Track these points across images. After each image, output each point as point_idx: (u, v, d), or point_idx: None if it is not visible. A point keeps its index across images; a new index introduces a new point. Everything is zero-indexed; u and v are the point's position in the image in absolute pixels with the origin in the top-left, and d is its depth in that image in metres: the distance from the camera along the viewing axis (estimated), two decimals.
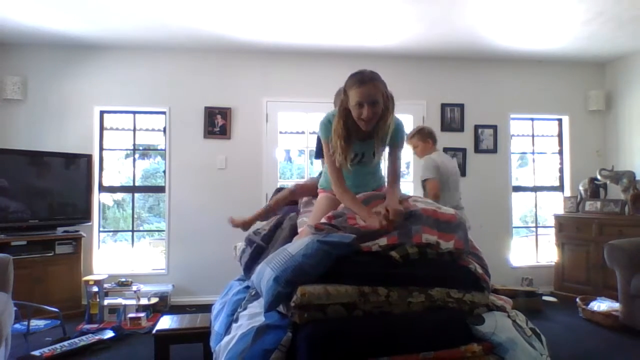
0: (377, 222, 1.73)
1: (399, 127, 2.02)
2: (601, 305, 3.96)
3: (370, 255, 1.65)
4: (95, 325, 3.84)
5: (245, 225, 2.76)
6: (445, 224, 1.73)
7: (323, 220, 1.89)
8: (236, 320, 1.78)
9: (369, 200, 1.93)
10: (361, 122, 1.90)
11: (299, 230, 2.28)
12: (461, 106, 5.22)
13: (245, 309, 1.83)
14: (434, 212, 1.76)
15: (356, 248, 1.63)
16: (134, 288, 4.27)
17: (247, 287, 2.15)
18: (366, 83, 1.85)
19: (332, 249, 1.58)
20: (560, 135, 5.52)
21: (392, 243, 1.65)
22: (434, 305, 1.60)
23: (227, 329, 1.80)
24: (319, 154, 3.05)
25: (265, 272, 1.64)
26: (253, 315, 1.69)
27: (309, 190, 2.56)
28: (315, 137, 3.21)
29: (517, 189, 5.46)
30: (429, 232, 1.68)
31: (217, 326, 2.04)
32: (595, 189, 4.98)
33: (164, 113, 4.92)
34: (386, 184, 2.10)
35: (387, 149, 2.09)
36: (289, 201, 2.66)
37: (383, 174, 2.22)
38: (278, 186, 3.31)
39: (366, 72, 1.91)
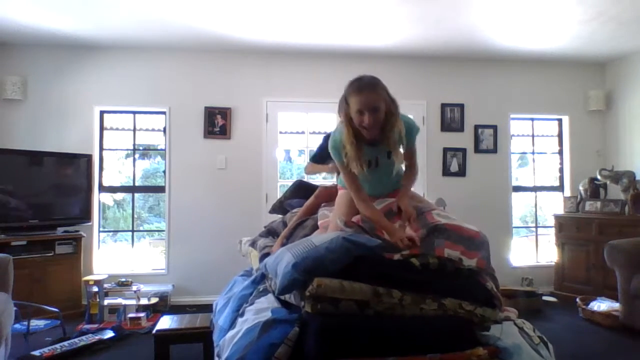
0: (399, 241, 1.73)
1: (409, 125, 1.99)
2: (601, 305, 3.96)
3: (391, 260, 1.66)
4: (95, 325, 3.84)
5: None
6: (469, 240, 1.73)
7: (354, 219, 1.91)
8: (242, 315, 1.78)
9: (388, 216, 1.93)
10: (363, 130, 1.87)
11: (320, 222, 2.28)
12: (461, 106, 5.22)
13: (252, 304, 1.83)
14: (458, 228, 1.76)
15: (378, 253, 1.65)
16: (134, 288, 4.27)
17: (254, 282, 2.14)
18: (365, 90, 1.82)
19: (355, 248, 1.58)
20: (560, 135, 5.52)
21: (414, 253, 1.67)
22: (446, 315, 1.61)
23: (232, 324, 1.80)
24: (315, 158, 3.07)
25: (285, 257, 1.64)
26: (260, 310, 1.69)
27: (332, 195, 2.48)
28: (316, 138, 3.21)
29: (517, 189, 5.46)
30: (451, 247, 1.69)
31: (221, 320, 2.04)
32: (595, 189, 4.98)
33: (164, 113, 4.92)
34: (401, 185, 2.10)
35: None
36: (314, 206, 2.55)
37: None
38: (295, 180, 3.24)
39: (365, 78, 1.87)
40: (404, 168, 2.16)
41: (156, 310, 4.28)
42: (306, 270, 1.52)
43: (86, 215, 4.55)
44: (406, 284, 1.59)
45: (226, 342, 1.65)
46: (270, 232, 2.76)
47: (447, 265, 1.67)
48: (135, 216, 5.28)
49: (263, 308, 1.71)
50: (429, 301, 1.59)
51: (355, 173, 1.97)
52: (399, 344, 1.48)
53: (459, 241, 1.72)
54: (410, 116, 2.12)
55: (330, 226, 2.08)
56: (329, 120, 4.92)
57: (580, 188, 5.04)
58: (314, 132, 5.06)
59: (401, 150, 2.06)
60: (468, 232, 1.76)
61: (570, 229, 4.92)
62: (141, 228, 5.92)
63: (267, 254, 2.29)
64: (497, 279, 1.86)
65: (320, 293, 1.48)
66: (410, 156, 2.08)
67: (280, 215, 2.99)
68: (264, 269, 1.91)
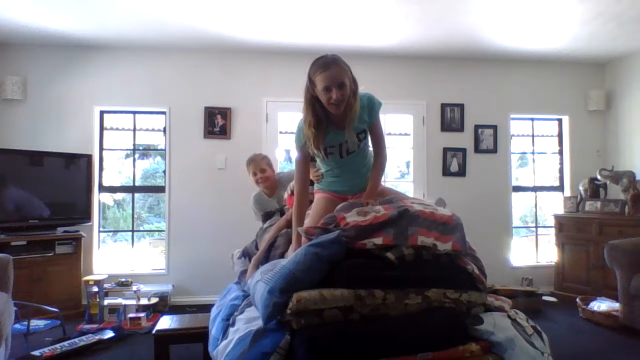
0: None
1: (370, 98, 2.03)
2: (601, 305, 3.96)
3: (366, 257, 1.62)
4: (95, 325, 3.83)
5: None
6: (442, 225, 1.70)
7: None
8: (233, 324, 1.78)
9: (352, 207, 1.91)
10: (331, 107, 1.90)
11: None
12: (461, 106, 5.22)
13: (242, 312, 1.82)
14: (431, 214, 1.73)
15: (343, 242, 1.61)
16: (134, 288, 4.26)
17: (244, 293, 2.14)
18: (330, 66, 1.88)
19: (320, 250, 1.56)
20: (560, 135, 5.52)
21: (387, 244, 1.63)
22: (431, 306, 1.59)
23: (224, 333, 1.79)
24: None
25: (258, 287, 1.63)
26: (250, 319, 1.69)
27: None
28: None
29: (517, 189, 5.46)
30: (425, 234, 1.66)
31: (213, 330, 2.03)
32: (595, 189, 4.98)
33: (164, 113, 4.92)
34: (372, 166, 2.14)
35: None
36: (285, 227, 2.53)
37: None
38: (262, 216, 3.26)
39: (328, 55, 1.93)
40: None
41: (156, 310, 4.28)
42: (282, 290, 1.50)
43: (86, 215, 4.55)
44: (387, 282, 1.57)
45: (219, 352, 1.65)
46: (244, 254, 2.76)
47: (422, 254, 1.65)
48: (135, 216, 5.27)
49: (254, 317, 1.70)
50: (412, 295, 1.58)
51: (308, 162, 2.05)
52: (388, 345, 1.47)
53: (433, 227, 1.68)
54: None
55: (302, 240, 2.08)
56: None
57: (580, 188, 5.04)
58: None
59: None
60: (442, 218, 1.73)
61: (570, 229, 4.92)
62: (141, 228, 5.92)
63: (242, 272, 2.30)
64: (479, 259, 1.85)
65: (301, 308, 1.46)
66: (377, 137, 2.08)
67: None
68: (247, 289, 1.91)
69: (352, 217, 1.71)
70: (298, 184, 2.08)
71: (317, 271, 1.53)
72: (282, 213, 2.90)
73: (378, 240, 1.63)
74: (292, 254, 1.71)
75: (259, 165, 3.33)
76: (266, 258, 2.33)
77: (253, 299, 1.68)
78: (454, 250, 1.68)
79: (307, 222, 2.09)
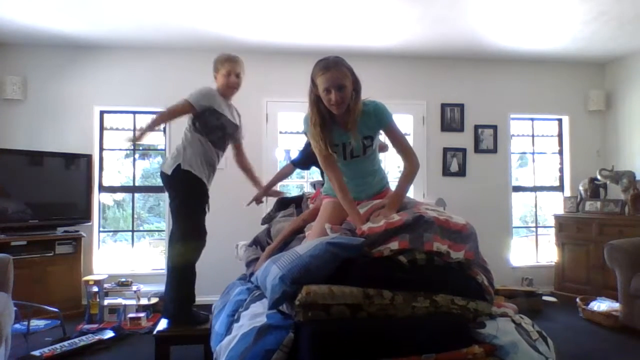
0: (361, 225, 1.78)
1: (377, 107, 2.02)
2: (601, 305, 3.96)
3: (378, 258, 1.65)
4: (95, 325, 3.83)
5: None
6: (456, 233, 1.72)
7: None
8: (237, 320, 1.78)
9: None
10: (332, 108, 1.94)
11: (306, 234, 2.28)
12: (461, 106, 5.22)
13: (247, 308, 1.83)
14: (445, 222, 1.73)
15: (365, 252, 1.64)
16: (134, 288, 4.26)
17: (249, 289, 2.14)
18: (330, 69, 1.90)
19: (340, 251, 1.58)
20: (560, 136, 5.52)
21: (403, 248, 1.64)
22: (438, 311, 1.61)
23: (228, 329, 1.80)
24: (299, 160, 3.10)
25: (272, 270, 1.64)
26: (255, 315, 1.69)
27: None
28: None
29: (517, 189, 5.46)
30: (440, 241, 1.67)
31: (217, 325, 2.04)
32: (595, 189, 4.98)
33: None
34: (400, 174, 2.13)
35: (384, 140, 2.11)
36: (300, 228, 2.49)
37: (384, 174, 2.24)
38: (280, 198, 3.27)
39: (330, 57, 1.96)
40: (383, 167, 2.20)
41: (156, 310, 4.27)
42: (294, 280, 1.51)
43: (86, 215, 4.55)
44: (396, 283, 1.59)
45: (222, 347, 1.65)
46: (255, 242, 2.76)
47: (435, 260, 1.66)
48: (135, 216, 5.27)
49: (258, 313, 1.71)
50: (421, 299, 1.59)
51: (332, 159, 2.01)
52: (393, 345, 1.48)
53: (447, 235, 1.70)
54: None
55: (311, 233, 2.07)
56: None
57: (580, 188, 5.04)
58: None
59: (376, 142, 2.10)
60: (456, 226, 1.74)
61: (570, 229, 4.92)
62: (141, 228, 5.92)
63: (252, 271, 2.29)
64: (490, 271, 1.86)
65: (310, 301, 1.48)
66: (397, 139, 2.05)
67: None
68: (256, 282, 1.91)
69: (367, 224, 1.75)
70: (331, 174, 2.03)
71: (330, 269, 1.56)
72: (297, 204, 2.91)
73: (394, 245, 1.64)
74: (309, 243, 1.71)
75: (236, 68, 2.94)
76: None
77: (264, 280, 1.69)
78: (466, 258, 1.70)
79: (314, 226, 2.10)
